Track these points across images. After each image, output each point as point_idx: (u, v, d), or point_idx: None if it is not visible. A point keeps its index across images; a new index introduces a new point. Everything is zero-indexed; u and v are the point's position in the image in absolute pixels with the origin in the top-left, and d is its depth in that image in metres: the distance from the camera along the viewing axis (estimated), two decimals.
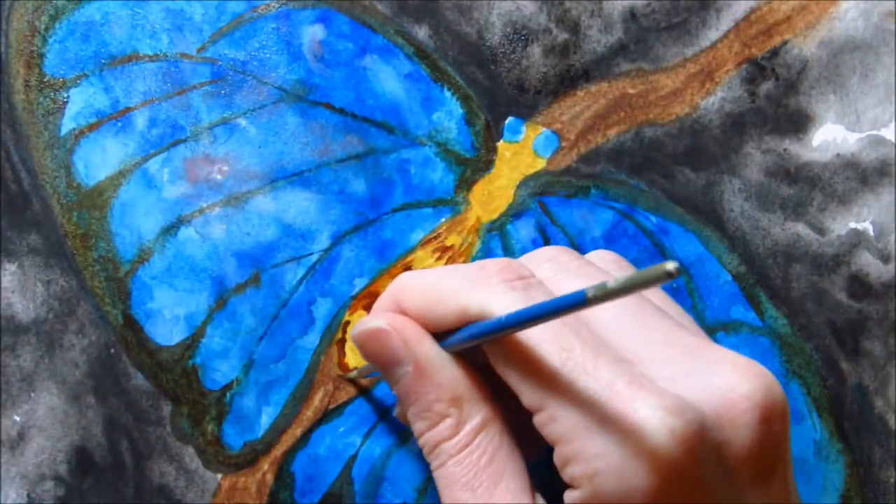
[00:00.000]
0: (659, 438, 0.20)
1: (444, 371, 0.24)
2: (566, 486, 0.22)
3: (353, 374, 0.30)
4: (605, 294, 0.18)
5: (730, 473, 0.21)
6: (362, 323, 0.26)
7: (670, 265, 0.17)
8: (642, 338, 0.23)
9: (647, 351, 0.22)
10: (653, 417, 0.20)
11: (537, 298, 0.22)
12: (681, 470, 0.20)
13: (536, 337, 0.22)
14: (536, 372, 0.22)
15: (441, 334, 0.25)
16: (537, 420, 0.22)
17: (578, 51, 0.31)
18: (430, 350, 0.24)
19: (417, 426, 0.25)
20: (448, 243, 0.31)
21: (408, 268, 0.31)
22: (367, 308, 0.31)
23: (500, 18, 0.31)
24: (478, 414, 0.24)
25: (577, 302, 0.19)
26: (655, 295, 0.25)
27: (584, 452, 0.21)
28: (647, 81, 0.31)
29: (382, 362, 0.25)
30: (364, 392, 0.31)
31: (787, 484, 0.23)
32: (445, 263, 0.31)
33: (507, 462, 0.24)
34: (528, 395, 0.22)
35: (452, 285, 0.24)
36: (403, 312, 0.25)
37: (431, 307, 0.24)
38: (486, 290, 0.23)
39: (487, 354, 0.24)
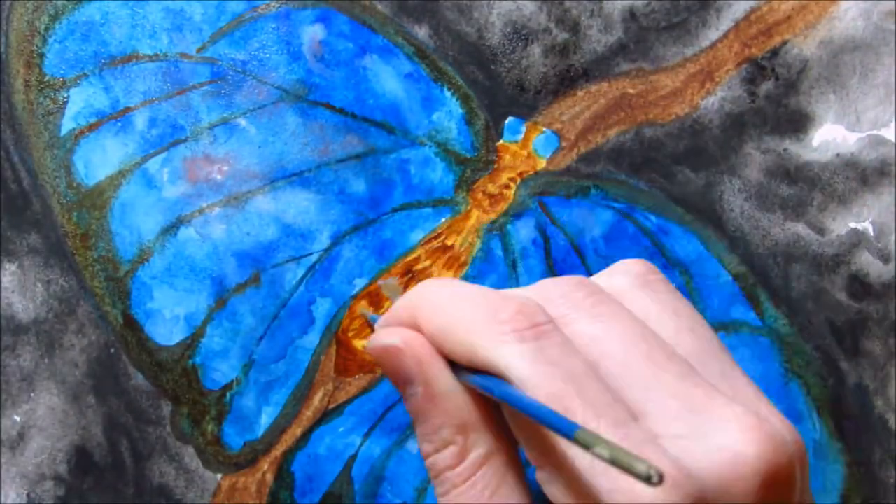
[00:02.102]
0: None
1: (453, 398, 0.24)
2: None
3: (369, 316, 0.30)
4: (589, 447, 0.19)
5: None
6: (378, 335, 0.25)
7: (654, 473, 0.17)
8: (650, 388, 0.22)
9: (654, 403, 0.22)
10: (648, 494, 0.20)
11: (547, 351, 0.22)
12: None
13: (538, 394, 0.22)
14: (537, 430, 0.22)
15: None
16: (538, 476, 0.22)
17: (578, 51, 0.31)
18: (440, 375, 0.24)
19: (424, 448, 0.25)
20: (448, 243, 0.31)
21: (408, 268, 0.31)
22: (369, 302, 0.31)
23: (500, 18, 0.31)
24: (483, 445, 0.24)
25: (566, 431, 0.20)
26: (670, 298, 0.25)
27: None
28: (647, 81, 0.31)
29: (395, 379, 0.25)
30: (364, 390, 0.31)
31: None
32: (445, 264, 0.31)
33: (510, 497, 0.23)
34: (528, 450, 0.22)
35: (464, 322, 0.23)
36: (419, 327, 0.25)
37: (443, 336, 0.24)
38: (495, 339, 0.23)
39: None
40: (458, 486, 0.24)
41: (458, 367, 0.24)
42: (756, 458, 0.21)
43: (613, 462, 0.18)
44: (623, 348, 0.23)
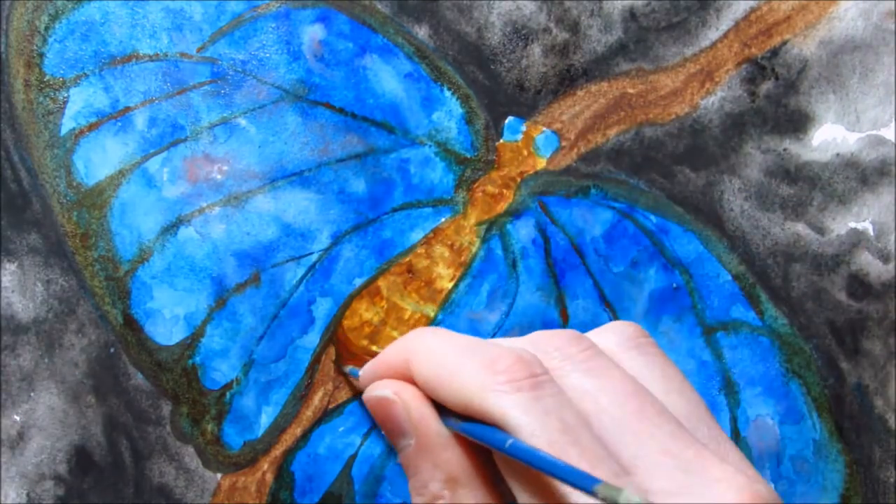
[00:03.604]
0: None
1: (445, 451, 0.24)
2: None
3: (348, 370, 0.30)
4: (614, 501, 0.19)
5: None
6: (374, 387, 0.26)
7: None
8: (642, 444, 0.22)
9: (646, 459, 0.22)
10: None
11: (543, 400, 0.22)
12: None
13: (535, 442, 0.22)
14: (533, 479, 0.22)
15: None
16: None
17: (578, 50, 0.31)
18: (432, 428, 0.24)
19: (414, 500, 0.25)
20: (448, 243, 0.31)
21: (409, 267, 0.31)
22: (368, 300, 0.31)
23: (499, 18, 0.31)
24: (472, 498, 0.24)
25: (581, 485, 0.20)
26: (660, 361, 0.25)
27: None
28: (647, 81, 0.31)
29: (387, 430, 0.25)
30: (361, 393, 0.31)
31: None
32: (445, 263, 0.31)
33: None
34: (523, 499, 0.22)
35: (461, 371, 0.23)
36: (412, 376, 0.25)
37: (438, 386, 0.24)
38: (492, 388, 0.23)
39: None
40: None
41: (451, 417, 0.24)
42: None
43: None
44: (616, 403, 0.23)
